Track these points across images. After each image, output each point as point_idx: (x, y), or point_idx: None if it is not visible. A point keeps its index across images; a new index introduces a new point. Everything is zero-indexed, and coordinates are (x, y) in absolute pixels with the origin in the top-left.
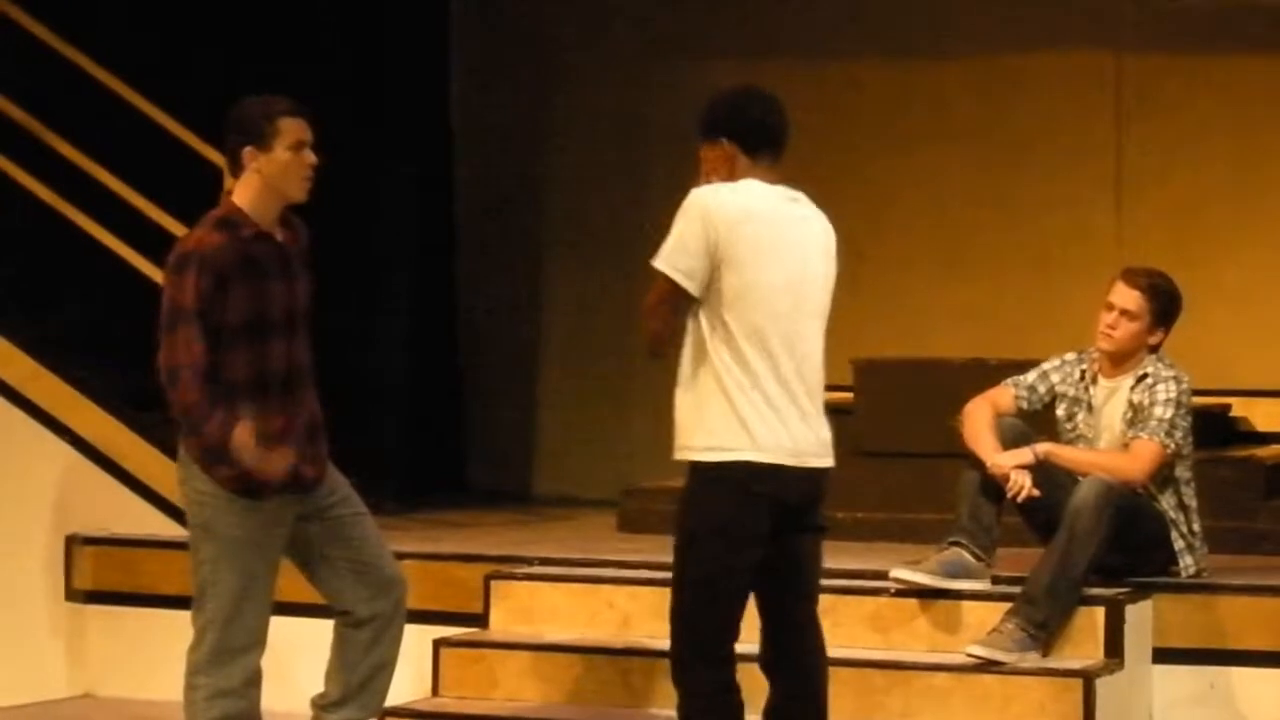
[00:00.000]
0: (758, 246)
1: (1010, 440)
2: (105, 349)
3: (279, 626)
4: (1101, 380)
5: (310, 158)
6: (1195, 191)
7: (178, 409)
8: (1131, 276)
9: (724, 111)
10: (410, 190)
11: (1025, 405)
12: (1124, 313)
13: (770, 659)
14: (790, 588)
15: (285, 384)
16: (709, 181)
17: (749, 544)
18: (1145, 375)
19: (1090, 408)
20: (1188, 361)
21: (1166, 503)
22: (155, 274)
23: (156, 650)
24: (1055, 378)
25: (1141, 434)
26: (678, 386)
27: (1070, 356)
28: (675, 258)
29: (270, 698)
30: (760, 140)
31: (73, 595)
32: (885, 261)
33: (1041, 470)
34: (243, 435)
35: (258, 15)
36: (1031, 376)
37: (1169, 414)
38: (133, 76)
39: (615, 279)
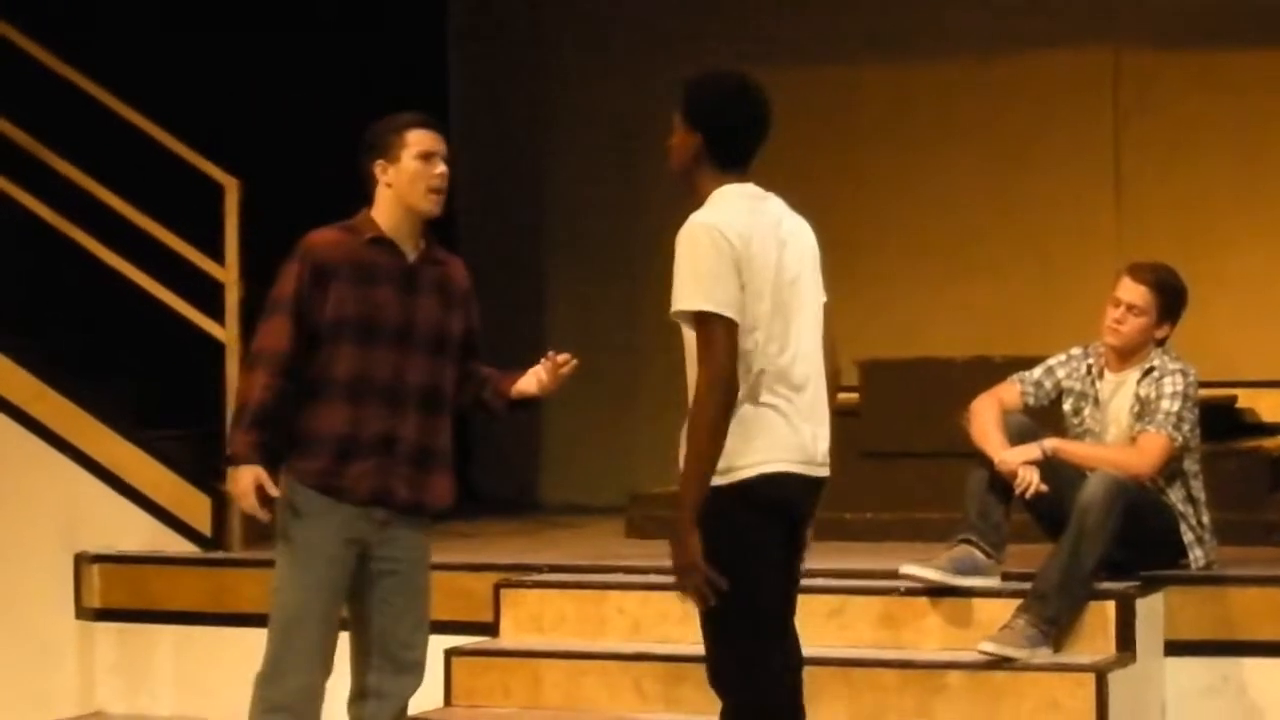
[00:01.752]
0: (763, 260)
1: (1017, 437)
2: (110, 368)
3: None
4: (1108, 374)
5: (439, 168)
6: (1196, 186)
7: (238, 399)
8: (1138, 271)
9: (711, 106)
10: None
11: (1032, 401)
12: (1131, 308)
13: None
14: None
15: (392, 396)
16: (673, 154)
17: (770, 551)
18: (1152, 369)
19: (1097, 402)
20: (1193, 354)
21: (1175, 496)
22: (159, 292)
23: (166, 667)
24: (1061, 373)
25: (1149, 427)
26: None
27: (1076, 351)
28: (717, 292)
29: None
30: (735, 152)
31: (82, 613)
32: (887, 261)
33: (1049, 466)
34: (245, 479)
35: (256, 18)
36: (1037, 372)
37: (1176, 407)
38: (131, 94)
39: (618, 280)
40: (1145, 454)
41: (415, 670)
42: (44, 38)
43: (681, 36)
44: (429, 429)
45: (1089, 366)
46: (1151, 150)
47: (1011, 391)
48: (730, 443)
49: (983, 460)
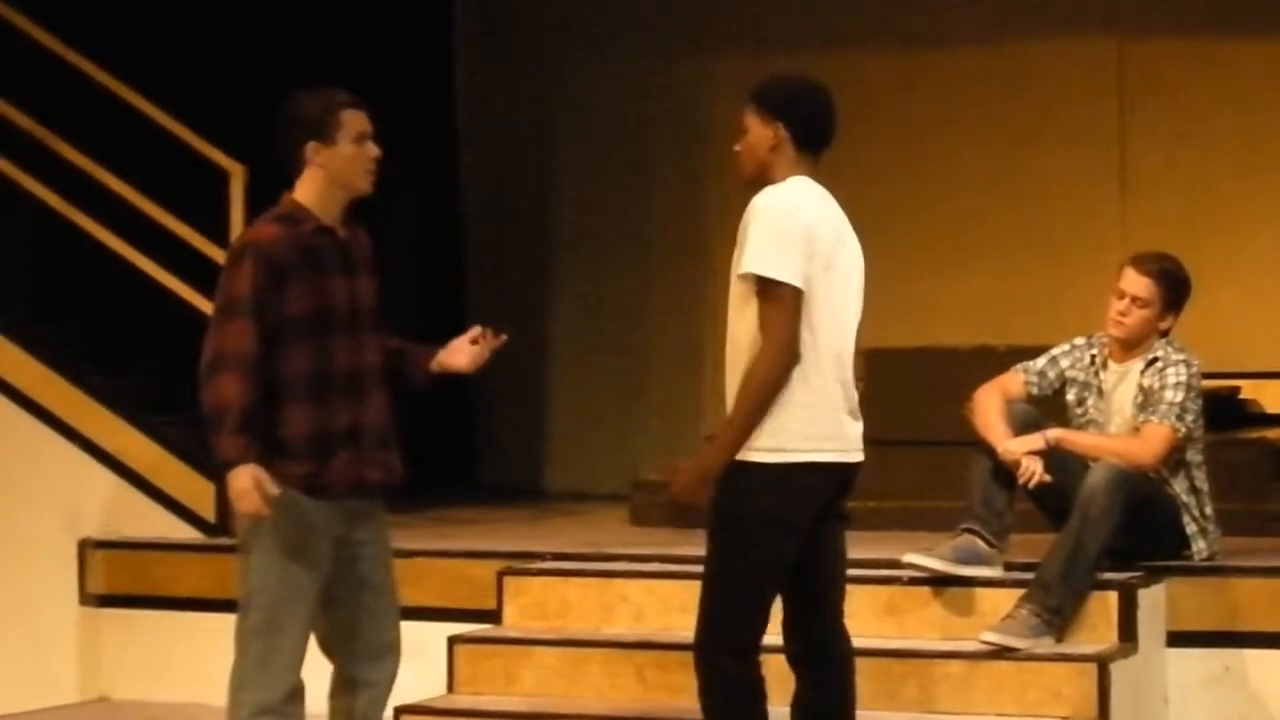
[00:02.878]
0: (827, 248)
1: (1021, 426)
2: (115, 354)
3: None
4: (1112, 365)
5: (373, 150)
6: (1200, 175)
7: (209, 402)
8: (1141, 263)
9: (788, 95)
10: (416, 189)
11: (1035, 391)
12: (1135, 299)
13: (798, 651)
14: (818, 576)
15: (351, 384)
16: (746, 153)
17: (793, 535)
18: (1155, 359)
19: (1100, 392)
20: (1196, 345)
21: (1178, 486)
22: (164, 278)
23: (170, 653)
24: (1065, 363)
25: (1152, 418)
26: (737, 384)
27: (1080, 341)
28: (793, 264)
29: None
30: (814, 138)
31: (86, 599)
32: (891, 250)
33: (1053, 456)
34: (245, 479)
35: (261, 16)
36: (1041, 362)
37: (1179, 397)
38: (138, 81)
39: (622, 275)
40: (1148, 444)
41: (395, 651)
42: (50, 23)
43: (685, 36)
44: (381, 407)
45: (1093, 357)
46: (1156, 138)
47: (1015, 381)
48: (787, 423)
49: (986, 449)
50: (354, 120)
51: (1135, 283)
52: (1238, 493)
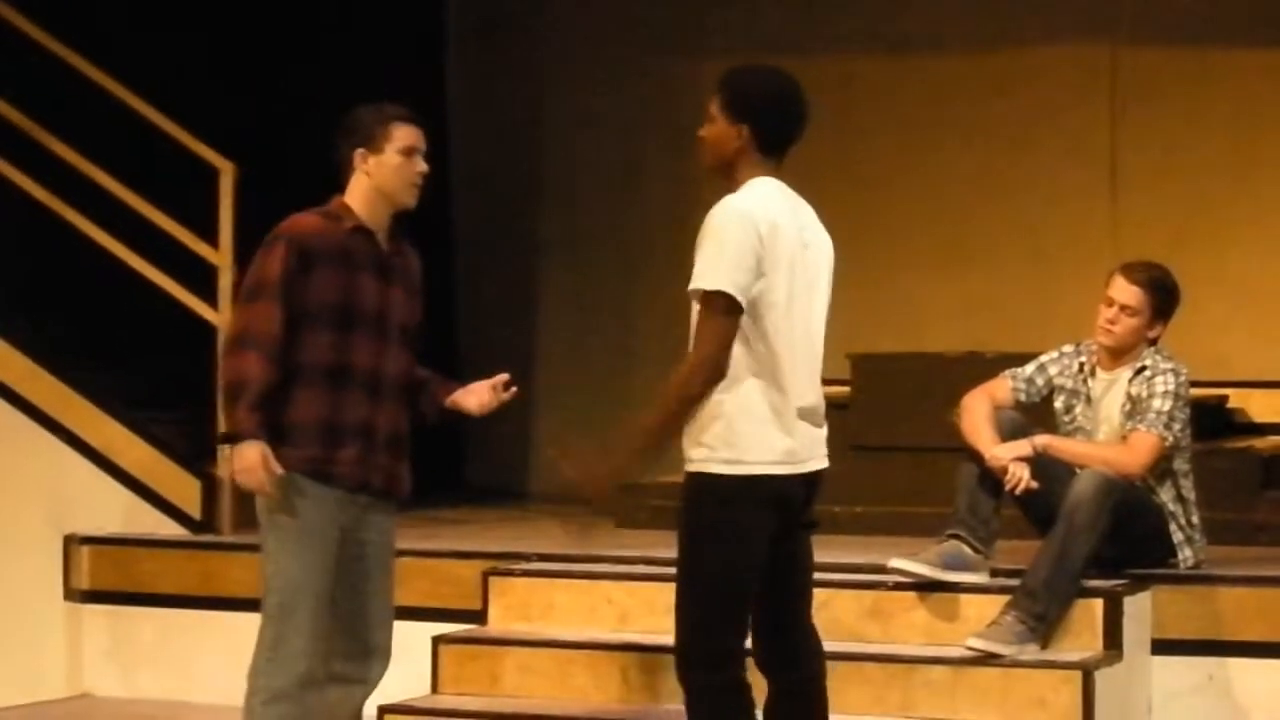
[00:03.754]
0: (786, 255)
1: (1008, 433)
2: (102, 349)
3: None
4: (1100, 373)
5: (421, 165)
6: (1191, 183)
7: (228, 375)
8: (1130, 271)
9: (756, 97)
10: None
11: (1023, 398)
12: (1124, 308)
13: (767, 657)
14: (788, 584)
15: (371, 384)
16: (709, 145)
17: (761, 543)
18: (1144, 368)
19: (1089, 400)
20: (1184, 353)
21: (1165, 495)
22: (152, 274)
23: (154, 649)
24: (1053, 370)
25: (1139, 426)
26: None
27: (1068, 349)
28: (733, 275)
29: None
30: (780, 139)
31: (71, 595)
32: (881, 255)
33: (1040, 463)
34: (253, 454)
35: (255, 15)
36: (1030, 369)
37: (1167, 406)
38: (129, 78)
39: (613, 278)
40: (1135, 452)
41: (384, 655)
42: (41, 19)
43: (678, 35)
44: (399, 417)
45: (1081, 364)
46: (1147, 146)
47: (1003, 387)
48: (745, 436)
49: (973, 455)
50: (404, 133)
51: (1124, 291)
52: (1224, 502)
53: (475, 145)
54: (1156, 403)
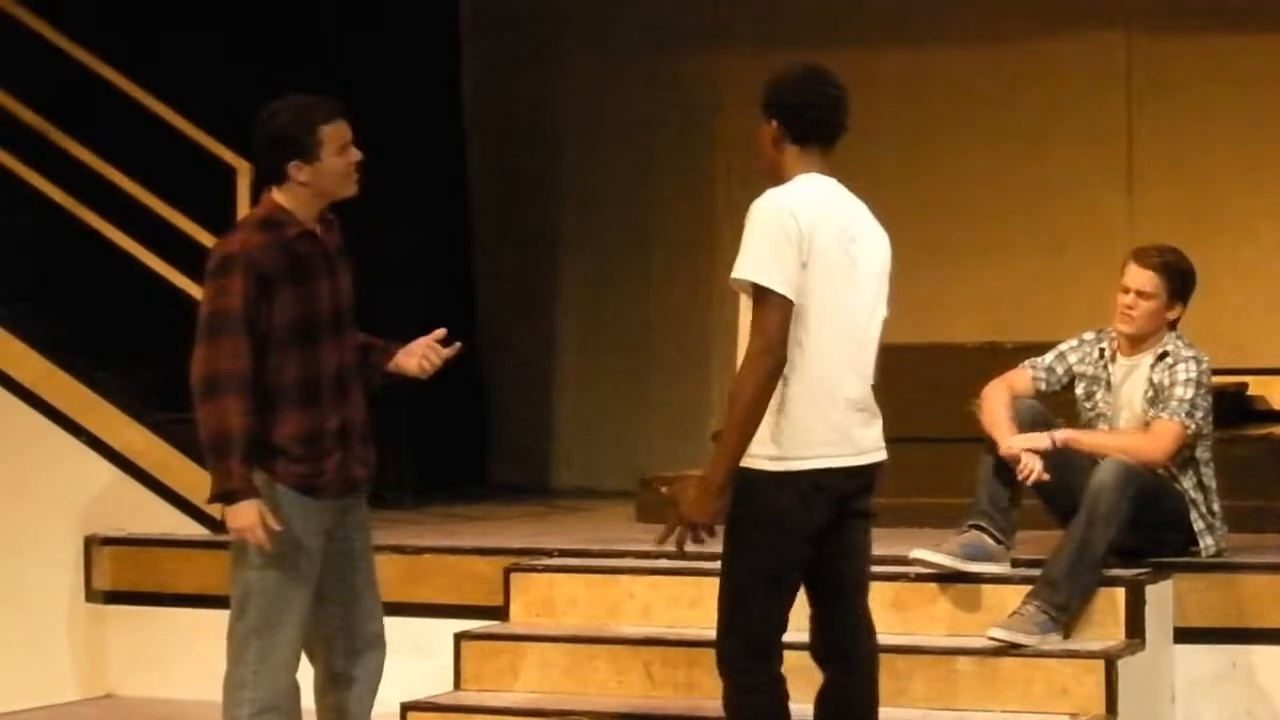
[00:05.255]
0: (829, 249)
1: (1028, 423)
2: (119, 349)
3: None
4: (1120, 358)
5: (355, 155)
6: (1207, 172)
7: (210, 427)
8: (1143, 256)
9: (776, 89)
10: (424, 189)
11: (1044, 387)
12: (1140, 294)
13: (822, 646)
14: (844, 575)
15: (337, 384)
16: (756, 150)
17: (807, 538)
18: (1165, 354)
19: (1109, 386)
20: (1204, 341)
21: (1186, 483)
22: (168, 273)
23: (176, 649)
24: (1073, 358)
25: (1162, 414)
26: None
27: (1089, 336)
28: (780, 270)
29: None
30: (812, 131)
31: (92, 596)
32: (899, 246)
33: (1058, 453)
34: (251, 513)
35: (269, 13)
36: (1049, 358)
37: (1190, 394)
38: (144, 77)
39: (629, 273)
40: (1159, 440)
41: (380, 644)
42: (57, 20)
43: (691, 32)
44: (361, 403)
45: (1101, 350)
46: (1163, 136)
47: (1023, 377)
48: (785, 431)
49: (991, 446)
50: (334, 133)
51: (1139, 276)
52: (1245, 489)
53: (490, 142)
54: (1179, 390)
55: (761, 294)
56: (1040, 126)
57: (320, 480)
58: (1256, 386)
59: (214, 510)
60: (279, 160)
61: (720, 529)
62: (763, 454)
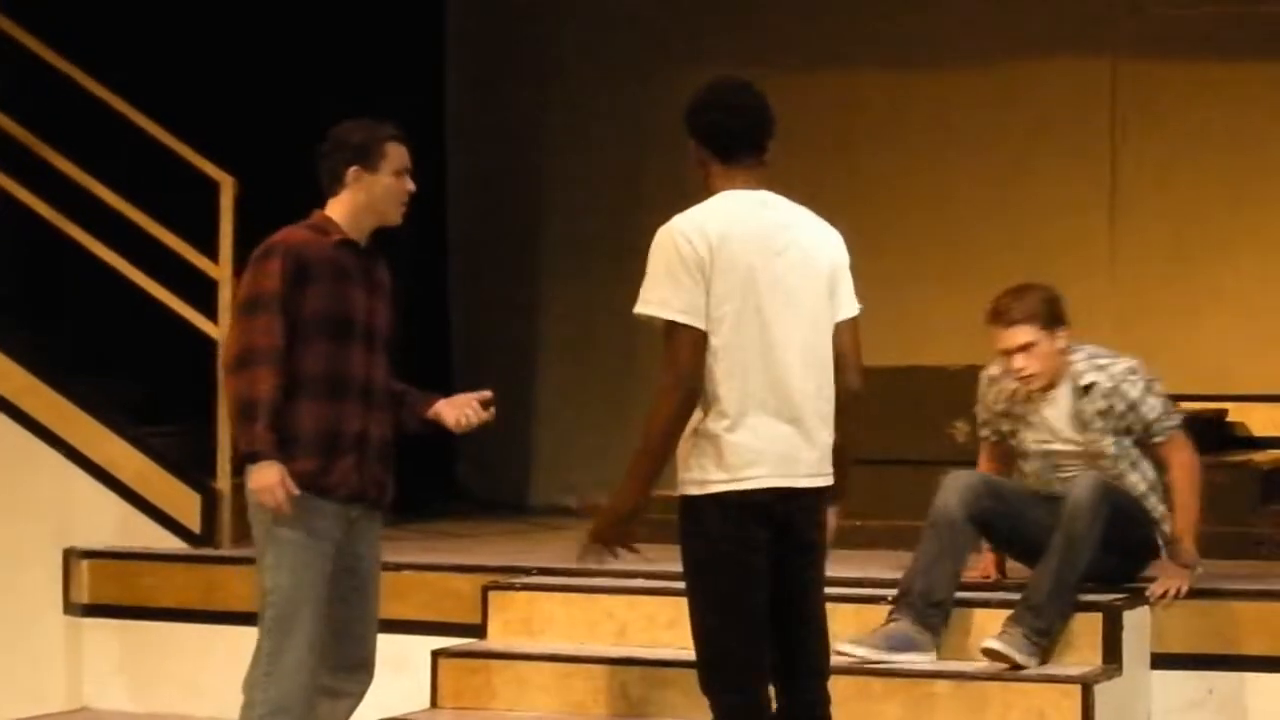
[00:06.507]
0: (742, 268)
1: (972, 506)
2: (102, 363)
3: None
4: (1034, 396)
5: (410, 185)
6: (1190, 199)
7: (240, 394)
8: (1000, 316)
9: (692, 109)
10: None
11: (1001, 439)
12: (1022, 348)
13: (772, 680)
14: (798, 638)
15: (365, 394)
16: (694, 172)
17: (751, 558)
18: (1091, 385)
19: (1028, 423)
20: (1184, 366)
21: (1136, 478)
22: (151, 288)
23: (154, 663)
24: (990, 398)
25: (1161, 436)
26: None
27: (994, 371)
28: (679, 296)
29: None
30: (730, 146)
31: (71, 608)
32: (882, 269)
33: (991, 492)
34: (272, 474)
35: (252, 18)
36: (982, 415)
37: (1156, 400)
38: (129, 91)
39: (613, 284)
40: (1184, 452)
41: (370, 667)
42: (42, 33)
43: (680, 37)
44: (388, 426)
45: (1014, 391)
46: (1148, 161)
47: (988, 449)
48: (708, 453)
49: (937, 531)
50: (397, 153)
51: (1011, 336)
52: (1224, 516)
53: (474, 149)
54: (1147, 407)
55: (668, 327)
56: (1024, 149)
57: (329, 479)
58: (1236, 413)
59: (193, 524)
60: (340, 163)
61: (638, 545)
62: (690, 478)
